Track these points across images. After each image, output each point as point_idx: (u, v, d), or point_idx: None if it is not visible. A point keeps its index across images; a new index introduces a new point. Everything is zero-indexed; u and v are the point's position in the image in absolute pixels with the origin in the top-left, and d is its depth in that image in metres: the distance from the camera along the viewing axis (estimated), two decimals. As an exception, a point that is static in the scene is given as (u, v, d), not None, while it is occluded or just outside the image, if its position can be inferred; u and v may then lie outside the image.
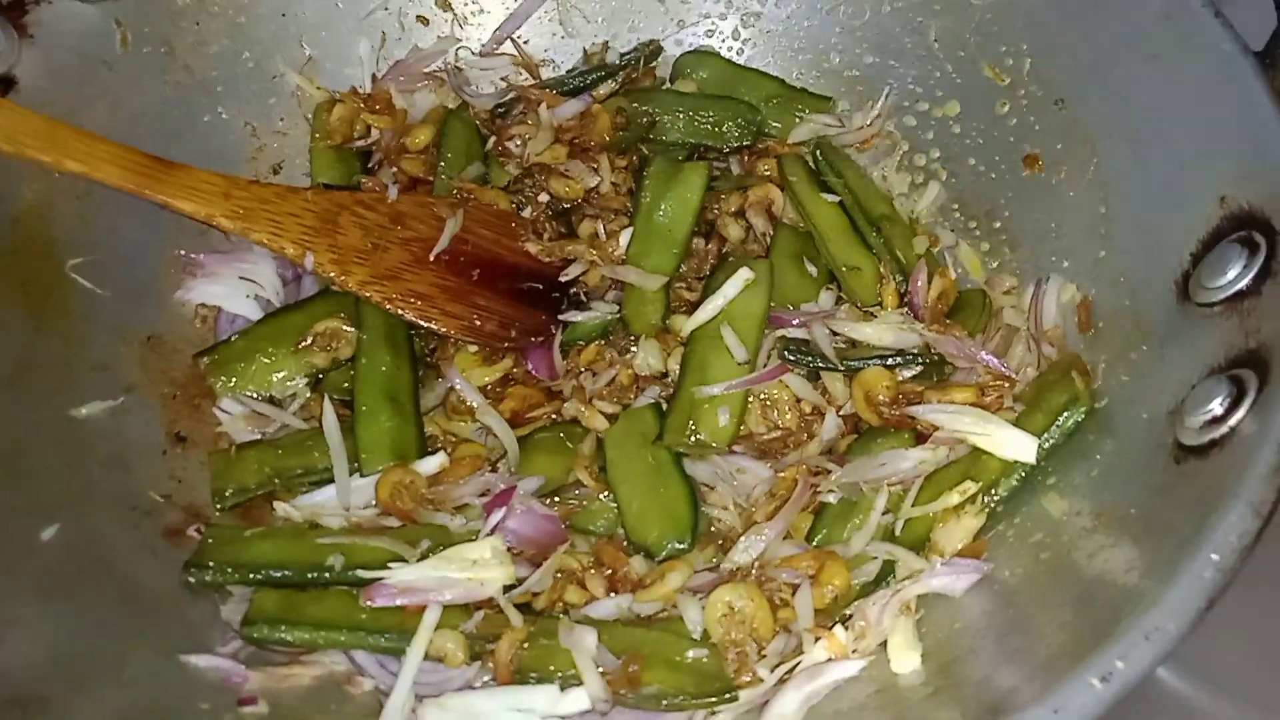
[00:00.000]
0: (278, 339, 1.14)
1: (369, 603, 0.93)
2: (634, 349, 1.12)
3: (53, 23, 1.10)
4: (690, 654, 0.91)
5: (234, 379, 1.12)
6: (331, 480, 1.05)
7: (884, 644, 0.88)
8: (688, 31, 1.35)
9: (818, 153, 1.24)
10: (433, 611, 0.92)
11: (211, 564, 0.97)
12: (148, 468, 1.06)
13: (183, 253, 1.19)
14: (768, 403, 1.08)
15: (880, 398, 1.04)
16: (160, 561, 0.98)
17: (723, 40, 1.35)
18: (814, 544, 0.99)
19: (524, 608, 0.96)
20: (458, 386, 1.11)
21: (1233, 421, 0.76)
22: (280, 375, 1.13)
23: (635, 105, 1.25)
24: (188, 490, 1.06)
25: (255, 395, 1.13)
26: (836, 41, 1.29)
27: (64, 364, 1.05)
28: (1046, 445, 0.94)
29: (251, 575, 0.96)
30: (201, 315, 1.20)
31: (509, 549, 0.97)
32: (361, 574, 0.95)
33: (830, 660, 0.88)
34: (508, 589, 0.95)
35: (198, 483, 1.07)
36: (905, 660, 0.85)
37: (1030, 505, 0.93)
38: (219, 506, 1.06)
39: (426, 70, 1.34)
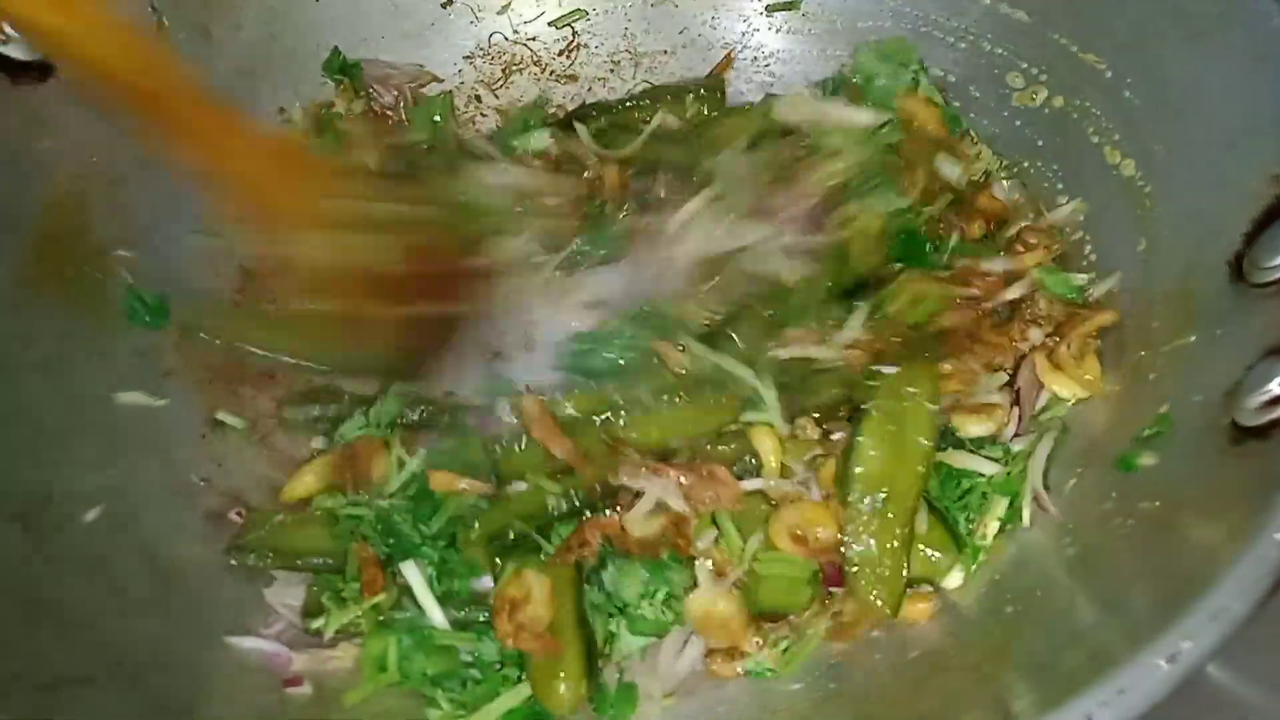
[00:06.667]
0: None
1: None
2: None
3: (91, 8, 1.10)
4: None
5: None
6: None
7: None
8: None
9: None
10: None
11: (253, 548, 0.97)
12: (187, 452, 1.06)
13: (218, 237, 1.19)
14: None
15: None
16: (201, 544, 0.99)
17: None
18: None
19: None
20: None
21: (1292, 401, 0.75)
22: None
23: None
24: (226, 474, 1.06)
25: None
26: (873, 24, 1.27)
27: (102, 350, 1.06)
28: None
29: (296, 561, 0.96)
30: (237, 301, 1.19)
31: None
32: None
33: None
34: None
35: (236, 466, 1.07)
36: None
37: (1084, 493, 0.92)
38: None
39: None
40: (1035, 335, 1.03)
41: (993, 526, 0.94)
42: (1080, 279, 1.05)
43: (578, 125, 1.24)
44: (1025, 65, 1.16)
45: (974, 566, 0.93)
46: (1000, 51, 1.18)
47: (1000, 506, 0.94)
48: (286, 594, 0.95)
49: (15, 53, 1.03)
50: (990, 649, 0.82)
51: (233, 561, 0.97)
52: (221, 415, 1.08)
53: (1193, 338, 0.91)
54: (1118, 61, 1.06)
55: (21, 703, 0.70)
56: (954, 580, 0.93)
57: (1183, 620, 0.66)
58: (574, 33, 1.35)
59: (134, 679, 0.82)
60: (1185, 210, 0.98)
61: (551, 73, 1.35)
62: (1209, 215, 0.94)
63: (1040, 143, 1.15)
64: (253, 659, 0.90)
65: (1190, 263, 0.95)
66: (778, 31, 1.32)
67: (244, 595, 0.96)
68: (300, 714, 0.87)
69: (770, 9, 1.31)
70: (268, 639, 0.91)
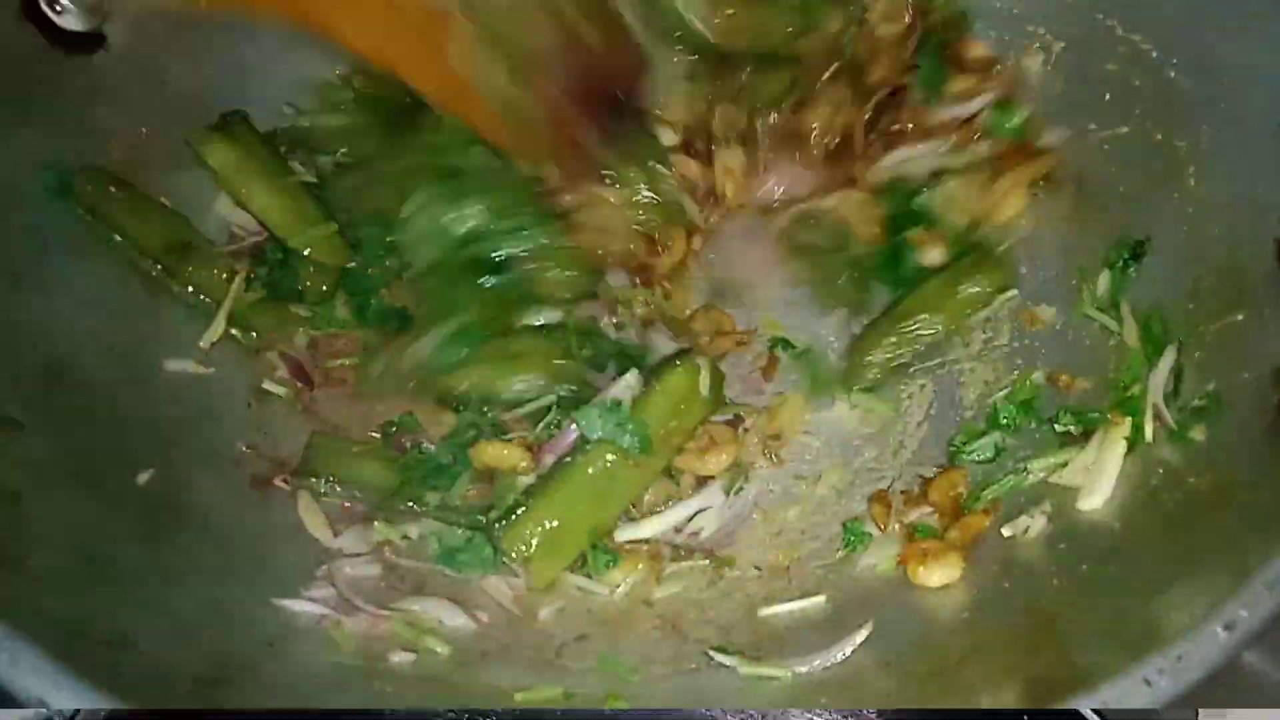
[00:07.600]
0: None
1: None
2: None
3: (141, -20, 1.11)
4: None
5: None
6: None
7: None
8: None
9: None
10: None
11: (318, 474, 1.02)
12: (234, 420, 1.07)
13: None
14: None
15: None
16: (249, 509, 1.00)
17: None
18: None
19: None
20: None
21: (1342, 378, 0.75)
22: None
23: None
24: (272, 442, 1.07)
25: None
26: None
27: (151, 319, 1.07)
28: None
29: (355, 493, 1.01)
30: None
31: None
32: None
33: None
34: None
35: (281, 435, 1.08)
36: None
37: (1139, 468, 0.92)
38: None
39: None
40: None
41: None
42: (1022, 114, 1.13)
43: None
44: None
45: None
46: (1044, 32, 1.18)
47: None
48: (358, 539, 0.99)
49: (70, 24, 1.04)
50: (1040, 619, 0.83)
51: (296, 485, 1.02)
52: (267, 384, 1.10)
53: (1240, 316, 0.92)
54: (1165, 42, 1.06)
55: (88, 657, 0.71)
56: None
57: (1240, 589, 0.67)
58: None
59: (189, 638, 0.83)
60: (1231, 190, 0.98)
61: None
62: (1256, 195, 0.94)
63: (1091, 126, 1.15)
64: (302, 621, 0.91)
65: (1237, 242, 0.95)
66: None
67: (291, 559, 0.97)
68: (350, 675, 0.88)
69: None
70: (316, 602, 0.92)
